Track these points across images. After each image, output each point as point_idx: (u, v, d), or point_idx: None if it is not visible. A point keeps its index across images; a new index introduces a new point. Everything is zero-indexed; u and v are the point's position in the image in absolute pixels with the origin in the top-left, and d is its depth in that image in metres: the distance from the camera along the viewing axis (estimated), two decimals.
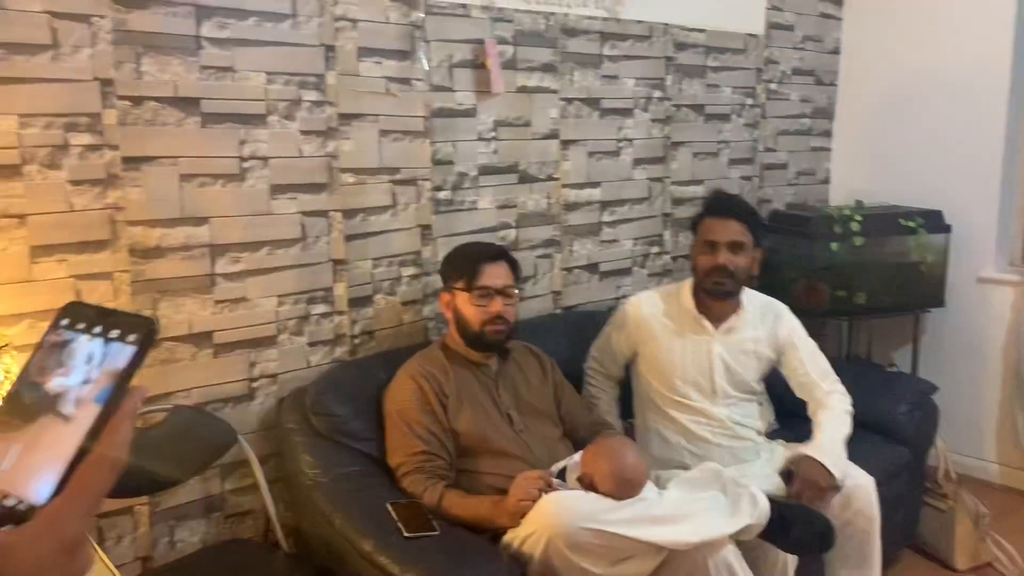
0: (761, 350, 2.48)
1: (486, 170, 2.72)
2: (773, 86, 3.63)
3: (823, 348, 2.55)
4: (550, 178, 2.90)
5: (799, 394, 2.49)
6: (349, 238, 2.43)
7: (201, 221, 2.14)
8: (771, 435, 2.54)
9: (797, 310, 2.57)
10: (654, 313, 2.51)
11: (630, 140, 3.12)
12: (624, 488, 1.91)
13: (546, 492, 1.91)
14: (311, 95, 2.30)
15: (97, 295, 2.00)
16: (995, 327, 3.47)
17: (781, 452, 2.44)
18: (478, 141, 2.68)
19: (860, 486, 2.25)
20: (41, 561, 0.52)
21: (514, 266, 2.26)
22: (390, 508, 1.92)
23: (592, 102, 2.98)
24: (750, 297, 2.51)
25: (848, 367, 2.54)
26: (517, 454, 2.11)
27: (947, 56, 3.53)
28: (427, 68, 2.53)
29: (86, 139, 1.95)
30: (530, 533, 1.83)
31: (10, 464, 0.54)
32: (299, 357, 2.37)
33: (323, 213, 2.36)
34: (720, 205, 2.48)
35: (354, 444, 2.16)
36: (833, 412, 2.39)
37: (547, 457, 2.12)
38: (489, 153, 2.72)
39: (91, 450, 0.54)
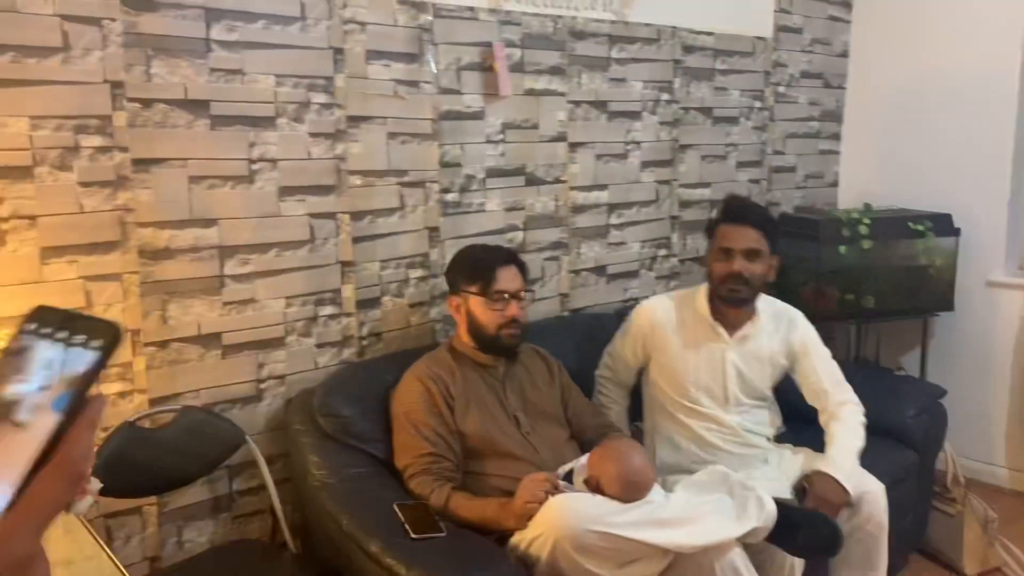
0: (775, 357, 2.45)
1: (494, 172, 2.72)
2: (781, 89, 3.63)
3: (831, 352, 2.54)
4: (558, 181, 2.90)
5: (810, 401, 2.46)
6: (357, 240, 2.43)
7: (210, 223, 2.15)
8: (778, 438, 2.53)
9: (805, 313, 2.56)
10: (668, 318, 2.48)
11: (638, 143, 3.12)
12: (631, 490, 1.91)
13: (553, 494, 1.90)
14: (320, 98, 2.31)
15: (106, 296, 2.01)
16: (1004, 331, 3.46)
17: (789, 456, 2.43)
18: (486, 143, 2.69)
19: (871, 492, 2.24)
20: None
21: (523, 269, 2.27)
22: (397, 509, 1.92)
23: (600, 105, 2.98)
24: (765, 303, 2.47)
25: (856, 371, 2.53)
26: (524, 456, 2.11)
27: (956, 59, 3.52)
28: (435, 71, 2.53)
29: (96, 141, 1.96)
30: (537, 535, 1.83)
31: None
32: (307, 358, 2.38)
33: (331, 215, 2.37)
34: (736, 211, 2.43)
35: (361, 445, 2.17)
36: (846, 424, 2.35)
37: (554, 459, 2.12)
38: (497, 155, 2.72)
39: (48, 461, 0.52)
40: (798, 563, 2.09)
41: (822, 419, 2.41)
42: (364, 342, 2.49)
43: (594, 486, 1.95)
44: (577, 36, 2.88)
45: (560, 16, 2.82)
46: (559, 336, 2.67)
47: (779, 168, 3.69)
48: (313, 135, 2.31)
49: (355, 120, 2.38)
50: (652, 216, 3.22)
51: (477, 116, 2.65)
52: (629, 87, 3.06)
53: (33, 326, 0.57)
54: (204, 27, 2.09)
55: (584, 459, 2.03)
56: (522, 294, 2.23)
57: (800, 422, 2.52)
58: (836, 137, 3.93)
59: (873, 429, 2.39)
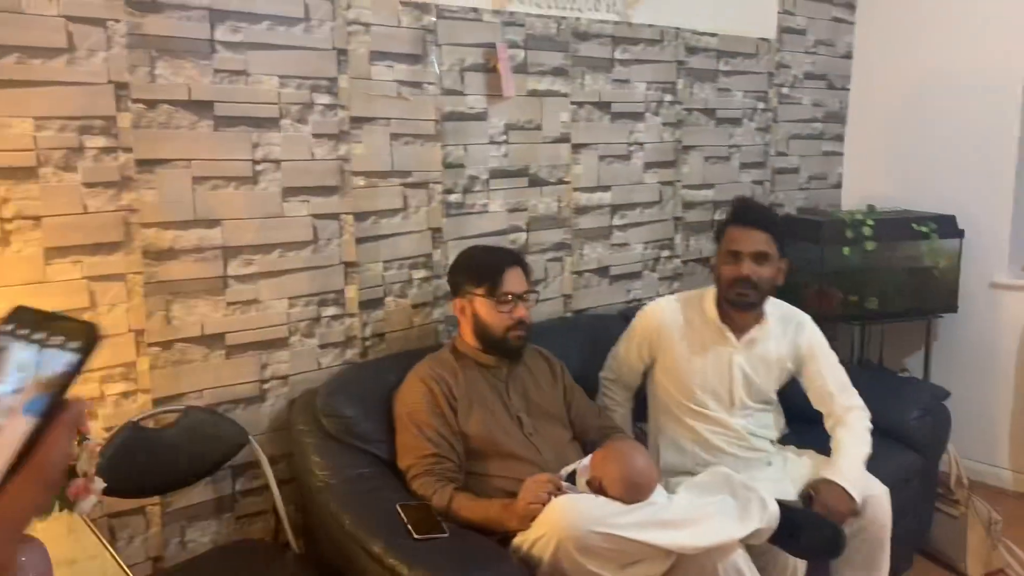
0: (782, 361, 2.43)
1: (497, 173, 2.73)
2: (785, 90, 3.62)
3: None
4: (561, 181, 2.91)
5: (816, 405, 2.44)
6: (360, 241, 2.44)
7: (214, 223, 2.16)
8: (781, 440, 2.52)
9: (809, 315, 2.56)
10: (675, 320, 2.46)
11: (641, 144, 3.13)
12: (633, 492, 1.91)
13: (556, 495, 1.91)
14: (323, 99, 2.31)
15: (111, 296, 2.02)
16: (1008, 333, 3.45)
17: (793, 459, 2.42)
18: (489, 144, 2.69)
19: (875, 496, 2.22)
20: None
21: (527, 270, 2.27)
22: (400, 510, 1.92)
23: (603, 106, 2.98)
24: (773, 306, 2.44)
25: (860, 372, 2.53)
26: (527, 457, 2.11)
27: (960, 60, 3.52)
28: (438, 72, 2.54)
29: (101, 142, 1.97)
30: (539, 536, 1.83)
31: None
32: (310, 359, 2.38)
33: (335, 216, 2.38)
34: (745, 214, 2.40)
35: (364, 446, 2.17)
36: (853, 431, 2.33)
37: (557, 460, 2.12)
38: (500, 156, 2.72)
39: (21, 467, 0.50)
40: (801, 564, 2.09)
41: (828, 424, 2.40)
42: (367, 343, 2.50)
43: (597, 487, 1.95)
44: (580, 37, 2.88)
45: (563, 17, 2.82)
46: (562, 337, 2.67)
47: (782, 169, 3.69)
48: (317, 136, 2.31)
49: (358, 121, 2.39)
50: (655, 217, 3.22)
51: (480, 117, 2.66)
52: (632, 88, 3.06)
53: (10, 327, 0.55)
54: (208, 28, 2.09)
55: (587, 460, 2.03)
56: (528, 295, 2.23)
57: (803, 423, 2.51)
58: (839, 138, 3.93)
59: (876, 431, 2.39)
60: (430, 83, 2.52)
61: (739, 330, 2.40)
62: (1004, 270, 3.47)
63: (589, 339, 2.72)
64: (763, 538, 1.96)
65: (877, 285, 3.33)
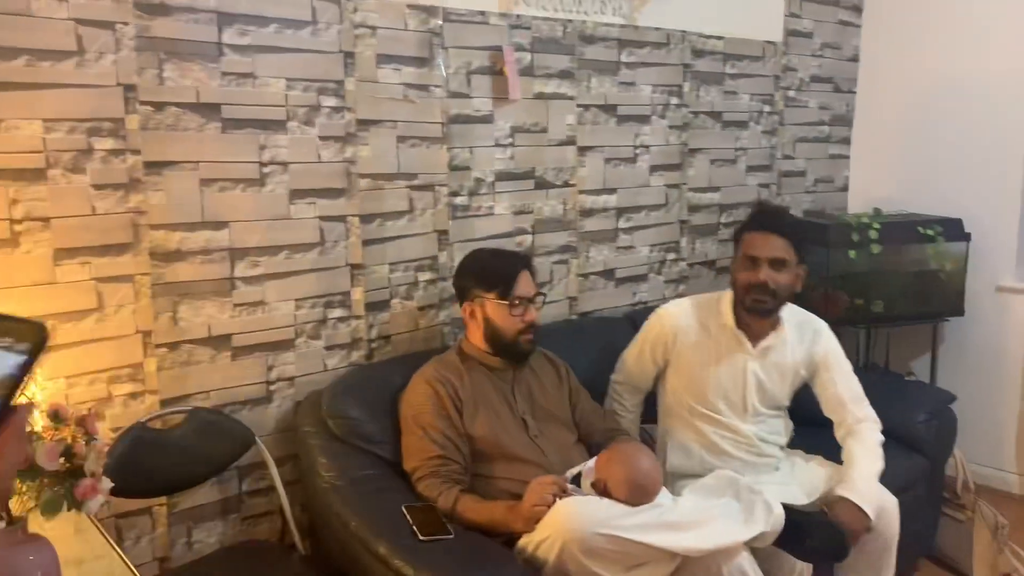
0: (796, 368, 2.40)
1: (503, 176, 2.73)
2: (791, 93, 3.62)
3: None
4: (566, 184, 2.91)
5: (827, 413, 2.41)
6: (366, 243, 2.44)
7: (221, 225, 2.17)
8: (789, 444, 2.51)
9: None
10: (690, 324, 2.42)
11: (647, 147, 3.13)
12: (638, 494, 1.91)
13: (560, 497, 1.91)
14: (330, 101, 2.32)
15: (118, 297, 2.03)
16: (1014, 337, 3.44)
17: (801, 464, 2.42)
18: (495, 147, 2.70)
19: (884, 507, 2.20)
20: None
21: (534, 272, 2.28)
22: (405, 511, 1.93)
23: (609, 109, 2.99)
24: (790, 312, 2.41)
25: (866, 376, 2.52)
26: (532, 459, 2.12)
27: (967, 63, 3.51)
28: (445, 74, 2.54)
29: (109, 144, 1.98)
30: (544, 538, 1.84)
31: None
32: (316, 360, 2.39)
33: (341, 218, 2.38)
34: (764, 219, 2.35)
35: (370, 447, 2.17)
36: (865, 445, 2.30)
37: (562, 462, 2.12)
38: (506, 159, 2.73)
39: None
40: (806, 568, 2.09)
41: (839, 433, 2.37)
42: (373, 344, 2.50)
43: (602, 489, 1.95)
44: (587, 40, 2.88)
45: (570, 20, 2.82)
46: (567, 339, 2.67)
47: (788, 172, 3.69)
48: (323, 138, 2.32)
49: (365, 123, 2.39)
50: (661, 220, 3.23)
51: (486, 120, 2.66)
52: (638, 91, 3.07)
53: None
54: (216, 31, 2.10)
55: (592, 462, 2.03)
56: (536, 298, 2.23)
57: (811, 427, 2.49)
58: (846, 141, 3.93)
59: (883, 435, 2.38)
60: (436, 86, 2.53)
61: (755, 336, 2.37)
62: (1011, 273, 3.47)
63: (594, 342, 2.72)
64: (768, 541, 1.95)
65: (883, 288, 3.32)
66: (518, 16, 2.69)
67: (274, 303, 2.28)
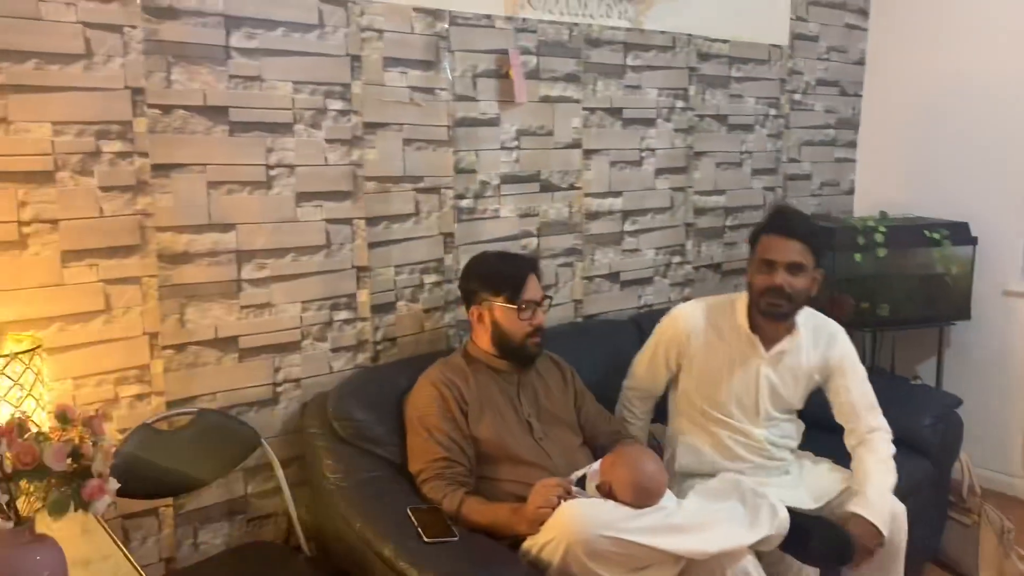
0: (810, 373, 2.38)
1: (508, 179, 2.74)
2: (797, 96, 3.62)
3: None
4: (572, 187, 2.91)
5: (839, 420, 2.38)
6: (372, 245, 2.45)
7: (228, 228, 2.18)
8: (799, 447, 2.50)
9: None
10: (704, 327, 2.39)
11: (653, 150, 3.13)
12: (643, 496, 1.91)
13: (565, 499, 1.91)
14: (337, 104, 2.33)
15: (126, 299, 2.04)
16: (1021, 341, 3.43)
17: (810, 467, 2.41)
18: (501, 150, 2.70)
19: (893, 514, 2.19)
20: None
21: (540, 275, 2.29)
22: (410, 513, 1.93)
23: (615, 112, 2.99)
24: (806, 317, 2.38)
25: (872, 380, 2.51)
26: (537, 462, 2.12)
27: (973, 66, 3.51)
28: (451, 78, 2.55)
29: (117, 146, 1.99)
30: (549, 540, 1.84)
31: None
32: (322, 362, 2.39)
33: (347, 220, 2.39)
34: (781, 223, 2.30)
35: (375, 449, 2.18)
36: (878, 456, 2.27)
37: (567, 465, 2.12)
38: (511, 162, 2.74)
39: None
40: (812, 572, 2.09)
41: (849, 441, 2.35)
42: (379, 347, 2.51)
43: (606, 492, 1.95)
44: (592, 43, 2.89)
45: (576, 24, 2.83)
46: (572, 342, 2.67)
47: (794, 176, 3.68)
48: (330, 141, 2.33)
49: (371, 126, 2.40)
50: (666, 223, 3.23)
51: (492, 123, 2.67)
52: (644, 94, 3.07)
53: None
54: (224, 34, 2.11)
55: (596, 465, 2.04)
56: (544, 301, 2.24)
57: (820, 431, 2.47)
58: (852, 145, 3.92)
59: None
60: (443, 89, 2.54)
61: (769, 340, 2.34)
62: (1017, 277, 3.46)
63: (599, 345, 2.72)
64: (773, 545, 1.95)
65: (889, 292, 3.32)
66: (524, 19, 2.69)
67: (281, 305, 2.29)
